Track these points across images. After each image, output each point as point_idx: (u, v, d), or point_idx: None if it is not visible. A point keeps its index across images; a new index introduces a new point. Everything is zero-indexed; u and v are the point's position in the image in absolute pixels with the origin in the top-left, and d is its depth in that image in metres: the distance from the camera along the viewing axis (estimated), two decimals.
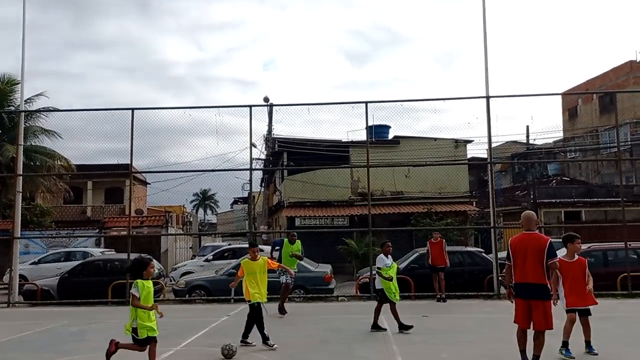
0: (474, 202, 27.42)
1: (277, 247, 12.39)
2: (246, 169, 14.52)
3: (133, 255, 15.03)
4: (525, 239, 6.57)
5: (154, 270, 7.62)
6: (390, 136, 28.40)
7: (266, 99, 22.26)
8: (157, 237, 25.88)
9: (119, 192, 33.48)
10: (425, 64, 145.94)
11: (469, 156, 27.78)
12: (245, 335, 8.43)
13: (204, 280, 15.06)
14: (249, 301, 8.43)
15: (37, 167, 24.86)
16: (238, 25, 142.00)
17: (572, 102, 42.49)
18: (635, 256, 14.45)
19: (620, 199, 15.84)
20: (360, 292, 14.63)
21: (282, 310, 11.39)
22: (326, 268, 15.20)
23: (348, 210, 24.65)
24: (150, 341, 6.56)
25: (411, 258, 15.56)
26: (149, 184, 34.46)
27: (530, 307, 6.31)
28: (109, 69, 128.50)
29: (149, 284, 6.69)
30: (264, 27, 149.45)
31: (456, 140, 26.46)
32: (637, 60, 38.60)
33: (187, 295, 14.60)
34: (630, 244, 14.05)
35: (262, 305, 8.38)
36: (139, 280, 6.60)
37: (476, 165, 30.42)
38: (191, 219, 39.01)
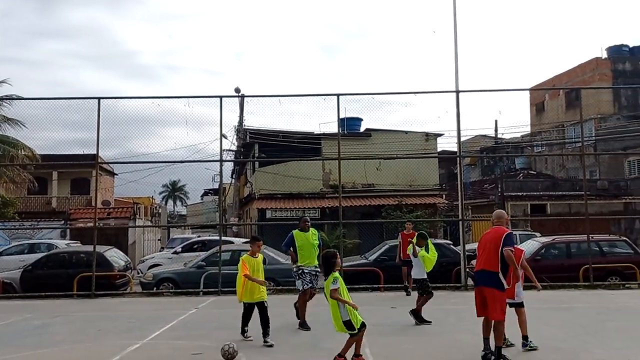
0: (444, 195, 27.78)
1: (289, 247, 9.67)
2: (216, 161, 14.37)
3: (101, 248, 14.80)
4: (490, 232, 6.92)
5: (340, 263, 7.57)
6: (362, 129, 28.53)
7: (237, 90, 22.06)
8: (125, 229, 25.46)
9: (86, 182, 32.75)
10: (397, 57, 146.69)
11: (439, 149, 28.10)
12: (265, 334, 7.95)
13: (172, 273, 14.88)
14: (245, 302, 8.16)
15: (0, 157, 24.10)
16: (209, 14, 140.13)
17: (540, 97, 43.36)
18: (597, 248, 14.87)
19: (583, 193, 16.24)
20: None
21: (304, 325, 9.12)
22: None
23: (319, 202, 24.68)
24: (363, 326, 6.50)
25: (381, 250, 15.69)
26: (116, 174, 33.81)
27: (485, 296, 6.49)
28: (75, 57, 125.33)
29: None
30: (235, 17, 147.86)
31: (427, 134, 26.71)
32: (603, 57, 39.58)
33: (154, 288, 14.41)
34: (592, 237, 14.45)
35: (265, 303, 8.10)
36: (334, 274, 6.54)
37: (446, 159, 30.85)
38: (160, 211, 38.48)
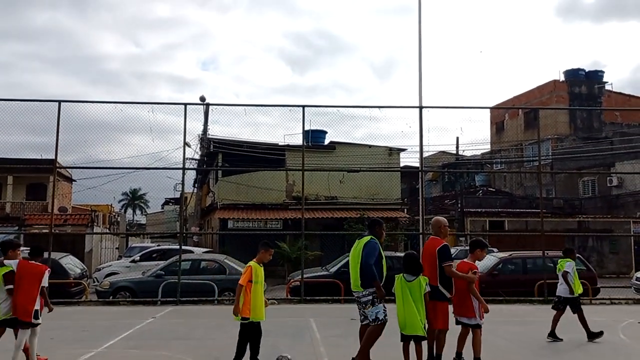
0: (405, 209, 28.16)
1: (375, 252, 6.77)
2: (179, 168, 14.20)
3: (56, 255, 14.34)
4: (427, 243, 7.05)
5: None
6: (327, 142, 28.71)
7: (202, 99, 21.89)
8: (82, 236, 24.77)
9: (42, 188, 31.73)
10: (364, 73, 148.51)
11: (402, 164, 28.54)
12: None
13: (129, 282, 14.53)
14: (246, 318, 6.81)
15: None
16: (178, 23, 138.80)
17: (500, 116, 44.60)
18: (551, 264, 15.28)
19: (539, 211, 16.72)
20: (291, 295, 14.61)
21: None
22: None
23: (282, 213, 24.64)
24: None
25: (342, 262, 15.73)
26: (74, 181, 32.88)
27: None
28: (38, 60, 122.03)
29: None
30: (204, 28, 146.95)
31: (390, 149, 27.11)
32: (560, 80, 41.08)
33: (111, 297, 14.04)
34: (547, 253, 14.87)
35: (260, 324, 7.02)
36: (423, 277, 6.46)
37: (408, 173, 31.28)
38: (119, 219, 37.61)
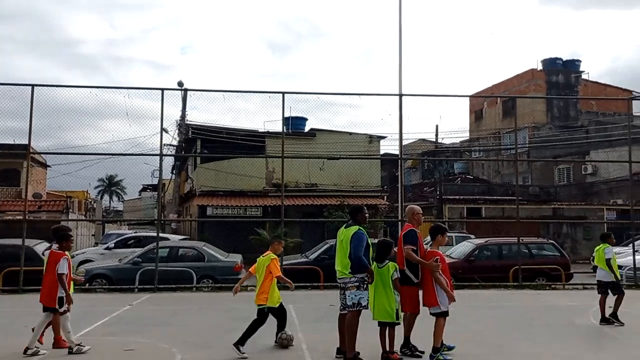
0: (385, 197, 28.32)
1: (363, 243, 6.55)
2: (156, 154, 14.02)
3: (30, 241, 14.10)
4: (402, 230, 7.20)
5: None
6: (307, 129, 28.64)
7: (180, 84, 21.59)
8: (56, 223, 24.28)
9: (16, 174, 31.05)
10: (345, 60, 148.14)
11: (382, 152, 28.64)
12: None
13: (106, 269, 14.37)
14: (262, 305, 7.20)
15: None
16: (155, 6, 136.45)
17: (478, 105, 44.98)
18: (526, 250, 15.59)
19: (515, 198, 16.97)
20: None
21: None
22: (236, 258, 15.06)
23: (262, 200, 24.58)
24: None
25: (322, 249, 15.81)
26: (49, 166, 32.30)
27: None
28: (11, 42, 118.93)
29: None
30: (182, 10, 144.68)
31: (370, 136, 27.17)
32: (538, 69, 41.53)
33: (87, 284, 13.88)
34: (522, 239, 15.14)
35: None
36: (392, 263, 6.68)
37: (388, 161, 31.44)
38: (95, 205, 37.12)
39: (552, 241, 17.58)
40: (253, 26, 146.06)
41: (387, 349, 6.56)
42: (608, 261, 9.24)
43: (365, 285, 6.44)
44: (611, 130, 32.88)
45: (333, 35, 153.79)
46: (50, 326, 7.21)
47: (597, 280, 9.63)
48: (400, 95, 15.00)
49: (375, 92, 29.05)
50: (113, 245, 18.92)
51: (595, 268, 10.84)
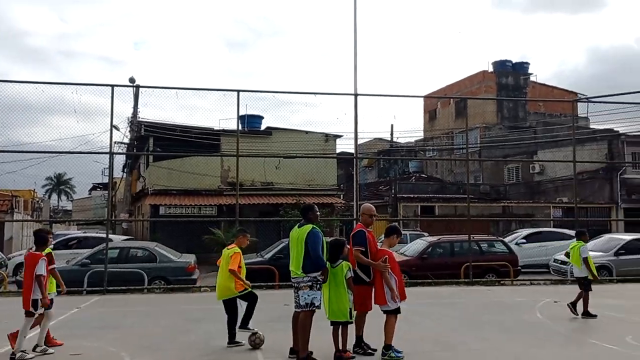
0: (341, 195, 28.45)
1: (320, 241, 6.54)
2: (106, 153, 13.60)
3: None
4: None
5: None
6: (263, 127, 28.44)
7: (132, 80, 21.02)
8: (1, 224, 23.33)
9: None
10: (303, 58, 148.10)
11: (338, 151, 28.77)
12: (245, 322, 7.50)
13: None
14: (244, 290, 7.50)
15: None
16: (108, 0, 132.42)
17: (432, 105, 45.86)
18: (477, 248, 16.00)
19: (467, 196, 17.39)
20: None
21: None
22: (190, 258, 14.81)
23: (217, 199, 24.24)
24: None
25: (277, 248, 15.76)
26: None
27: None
28: None
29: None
30: (137, 5, 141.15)
31: (326, 135, 27.24)
32: (489, 71, 42.71)
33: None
34: (473, 237, 15.52)
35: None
36: (345, 262, 6.63)
37: (344, 160, 31.63)
38: (41, 205, 35.72)
39: (501, 238, 18.11)
40: (209, 23, 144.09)
41: (340, 347, 6.57)
42: (585, 260, 9.60)
43: (318, 285, 6.45)
44: (557, 131, 34.15)
45: (291, 34, 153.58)
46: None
47: (575, 277, 10.03)
48: (356, 95, 15.10)
49: (331, 92, 29.10)
50: (52, 246, 18.17)
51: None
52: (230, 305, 7.48)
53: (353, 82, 15.11)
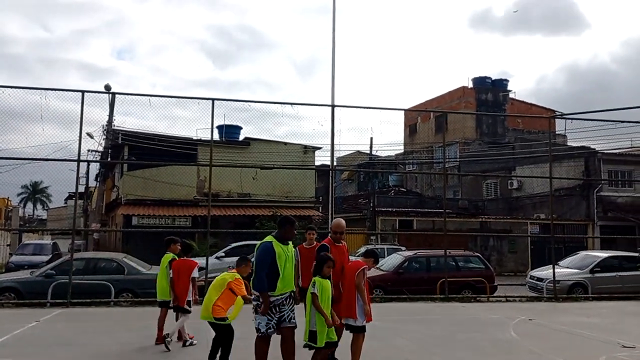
0: (320, 208, 28.21)
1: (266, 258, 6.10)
2: (74, 160, 13.14)
3: None
4: None
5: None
6: (242, 138, 28.16)
7: (107, 87, 20.59)
8: None
9: None
10: (286, 71, 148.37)
11: (318, 163, 28.60)
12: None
13: (15, 282, 13.30)
14: (225, 318, 6.67)
15: None
16: (91, 8, 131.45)
17: (413, 119, 46.03)
18: (453, 263, 15.83)
19: (443, 211, 17.26)
20: (199, 296, 14.01)
21: None
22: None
23: (192, 210, 23.81)
24: (328, 346, 5.93)
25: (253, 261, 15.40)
26: None
27: None
28: None
29: (327, 283, 6.02)
30: (120, 14, 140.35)
31: (305, 147, 27.05)
32: (469, 87, 43.05)
33: None
34: (449, 252, 15.35)
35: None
36: (317, 278, 5.97)
37: (324, 172, 31.43)
38: (11, 214, 34.81)
39: (477, 254, 17.98)
40: (193, 33, 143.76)
41: None
42: None
43: (259, 309, 5.88)
44: (535, 147, 34.43)
45: (274, 46, 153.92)
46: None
47: None
48: (333, 106, 14.95)
49: (308, 102, 29.00)
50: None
51: None
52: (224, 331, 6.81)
53: (331, 93, 14.98)
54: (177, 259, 8.25)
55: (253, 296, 6.02)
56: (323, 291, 5.90)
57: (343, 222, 7.21)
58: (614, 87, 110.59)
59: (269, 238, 6.13)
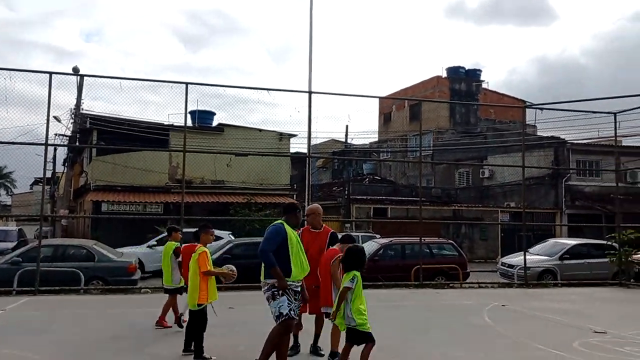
0: (294, 195, 28.10)
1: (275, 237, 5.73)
2: (41, 144, 12.71)
3: None
4: None
5: None
6: (215, 124, 27.77)
7: (75, 69, 19.93)
8: None
9: None
10: (260, 57, 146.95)
11: (292, 150, 28.42)
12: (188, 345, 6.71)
13: None
14: (202, 304, 6.56)
15: None
16: None
17: (387, 108, 46.13)
18: (427, 250, 15.96)
19: (419, 199, 17.34)
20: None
21: None
22: (131, 258, 14.10)
23: (164, 197, 23.42)
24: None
25: (225, 248, 15.24)
26: None
27: None
28: None
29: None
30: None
31: (280, 134, 26.84)
32: (443, 76, 43.30)
33: None
34: (424, 239, 15.45)
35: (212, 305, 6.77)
36: (357, 273, 5.68)
37: (299, 159, 31.28)
38: None
39: (451, 241, 18.18)
40: (165, 17, 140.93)
41: None
42: None
43: (280, 292, 5.52)
44: (507, 137, 34.92)
45: (248, 31, 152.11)
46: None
47: None
48: (310, 93, 14.79)
49: (285, 88, 28.70)
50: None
51: None
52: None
53: (308, 79, 14.81)
54: (180, 246, 8.47)
55: (267, 285, 5.66)
56: (358, 285, 5.66)
57: (313, 206, 7.10)
58: (583, 80, 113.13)
59: (279, 221, 5.86)
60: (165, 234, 10.14)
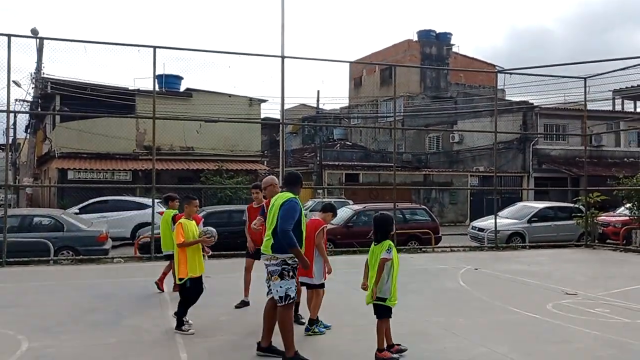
0: (265, 162, 27.86)
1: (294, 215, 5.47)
2: (3, 111, 12.14)
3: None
4: None
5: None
6: (183, 89, 27.05)
7: (34, 31, 18.96)
8: None
9: None
10: (226, 20, 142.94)
11: (262, 116, 28.01)
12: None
13: None
14: (183, 279, 6.39)
15: None
16: None
17: (358, 72, 45.75)
18: (400, 215, 16.09)
19: (392, 164, 17.38)
20: (140, 253, 13.62)
21: None
22: (101, 227, 13.78)
23: (132, 164, 22.88)
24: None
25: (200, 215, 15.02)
26: None
27: None
28: None
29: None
30: None
31: (250, 99, 26.39)
32: (414, 40, 43.04)
33: None
34: (397, 205, 15.56)
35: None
36: (391, 243, 5.51)
37: (268, 125, 30.91)
38: None
39: (423, 206, 18.38)
40: None
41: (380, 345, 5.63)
42: None
43: (291, 273, 5.35)
44: (477, 102, 35.17)
45: None
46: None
47: None
48: (283, 57, 14.47)
49: (257, 52, 28.11)
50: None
51: None
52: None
53: (280, 44, 14.47)
54: (178, 213, 8.26)
55: (275, 261, 5.36)
56: (395, 255, 5.55)
57: (267, 178, 7.00)
58: (550, 45, 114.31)
59: (290, 195, 5.48)
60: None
